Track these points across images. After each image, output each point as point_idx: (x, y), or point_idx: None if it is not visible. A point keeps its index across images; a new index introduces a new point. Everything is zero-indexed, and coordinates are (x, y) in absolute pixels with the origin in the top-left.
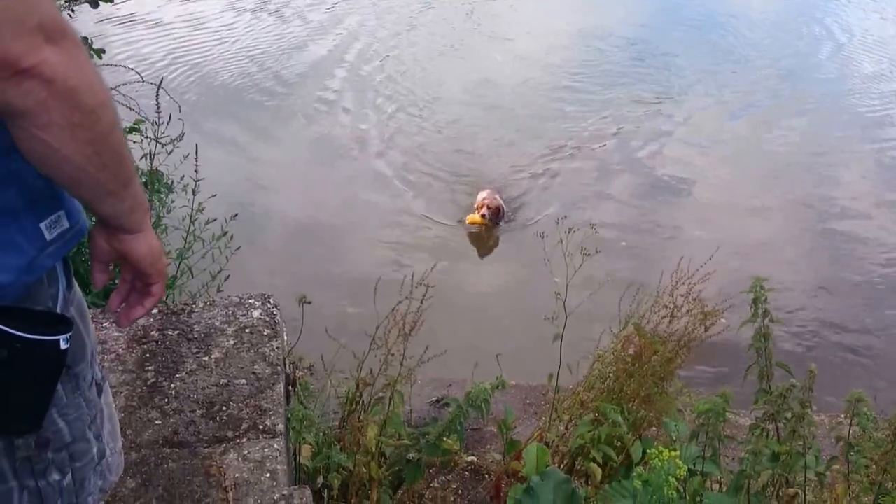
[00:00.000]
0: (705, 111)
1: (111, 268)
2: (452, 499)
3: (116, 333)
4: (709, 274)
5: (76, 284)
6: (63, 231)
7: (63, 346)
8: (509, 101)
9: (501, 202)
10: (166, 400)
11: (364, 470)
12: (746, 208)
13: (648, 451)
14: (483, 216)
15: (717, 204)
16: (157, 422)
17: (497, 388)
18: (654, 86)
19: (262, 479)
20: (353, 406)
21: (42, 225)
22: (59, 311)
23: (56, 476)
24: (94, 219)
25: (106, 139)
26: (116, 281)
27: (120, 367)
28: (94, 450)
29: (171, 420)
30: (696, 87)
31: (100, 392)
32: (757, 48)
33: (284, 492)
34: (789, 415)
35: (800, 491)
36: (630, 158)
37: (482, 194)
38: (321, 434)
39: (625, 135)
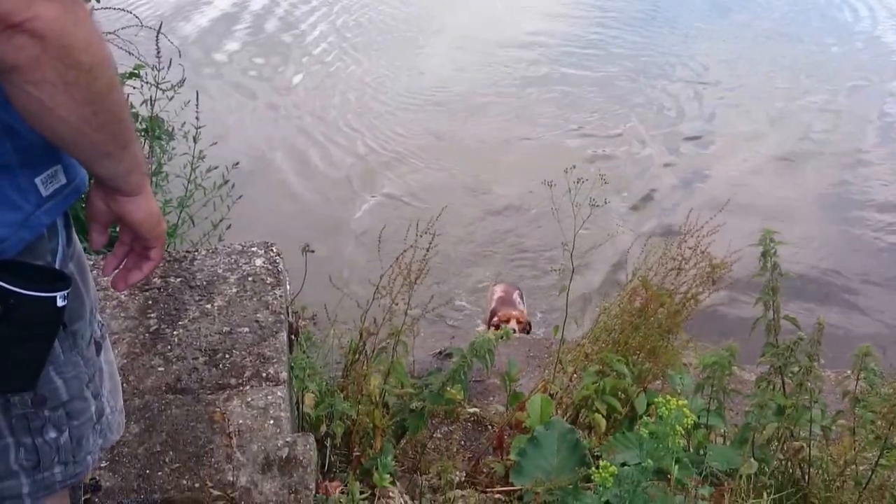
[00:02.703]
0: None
1: (109, 229)
2: (455, 449)
3: None
4: (718, 226)
5: (77, 239)
6: (60, 187)
7: (60, 303)
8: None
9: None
10: (169, 347)
11: (367, 419)
12: (768, 165)
13: (655, 400)
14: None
15: (738, 160)
16: (159, 368)
17: (501, 338)
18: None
19: (266, 425)
20: (356, 356)
21: (38, 180)
22: (58, 266)
23: (53, 434)
24: (92, 178)
25: (103, 99)
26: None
27: (122, 314)
28: (93, 408)
29: (174, 367)
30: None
31: (98, 350)
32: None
33: (288, 439)
34: (796, 368)
35: (805, 445)
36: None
37: (497, 291)
38: (324, 383)
39: (641, 84)
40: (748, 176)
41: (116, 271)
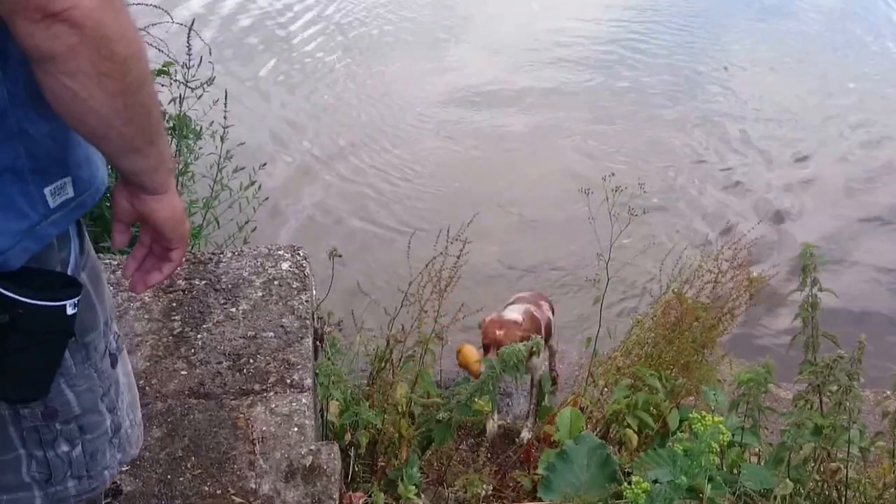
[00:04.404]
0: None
1: (132, 229)
2: (482, 462)
3: None
4: (756, 240)
5: (90, 248)
6: (67, 199)
7: (70, 311)
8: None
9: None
10: (193, 350)
11: (393, 428)
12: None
13: (690, 416)
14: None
15: (783, 170)
16: (182, 372)
17: (532, 350)
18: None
19: (290, 433)
20: (383, 364)
21: (47, 190)
22: (69, 273)
23: (65, 447)
24: (116, 176)
25: (136, 92)
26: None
27: (146, 316)
28: (108, 423)
29: (198, 371)
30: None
31: (114, 363)
32: None
33: (312, 447)
34: (835, 387)
35: (842, 466)
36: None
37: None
38: (349, 391)
39: (686, 92)
40: (789, 187)
41: (136, 273)
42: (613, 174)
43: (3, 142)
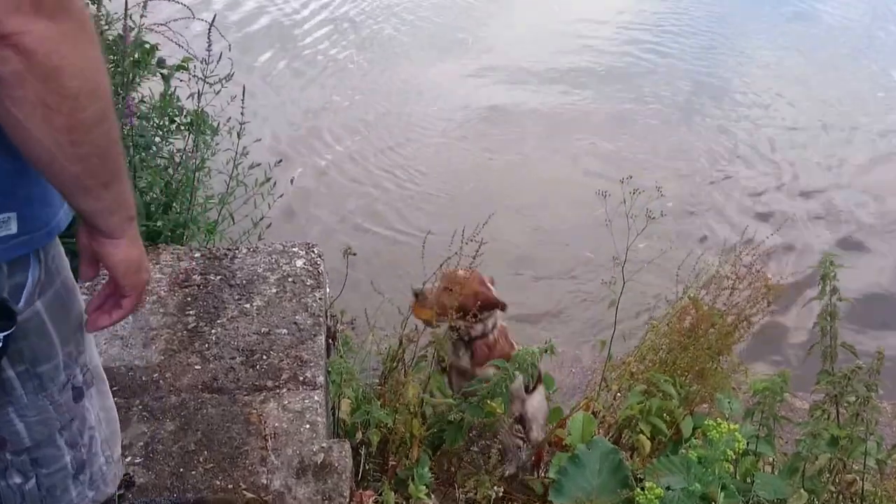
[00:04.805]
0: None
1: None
2: (493, 464)
3: (159, 275)
4: (775, 247)
5: (62, 277)
6: (7, 236)
7: None
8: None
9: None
10: (206, 345)
11: (404, 428)
12: (834, 182)
13: (705, 423)
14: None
15: (799, 182)
16: (196, 367)
17: (546, 352)
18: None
19: (302, 429)
20: (395, 363)
21: None
22: (22, 302)
23: (17, 479)
24: None
25: (88, 131)
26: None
27: (161, 310)
28: (67, 458)
29: (211, 366)
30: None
31: (77, 397)
32: None
33: (324, 444)
34: (853, 398)
35: (858, 478)
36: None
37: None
38: (361, 389)
39: (707, 97)
40: (812, 195)
41: (94, 311)
42: (631, 177)
43: None
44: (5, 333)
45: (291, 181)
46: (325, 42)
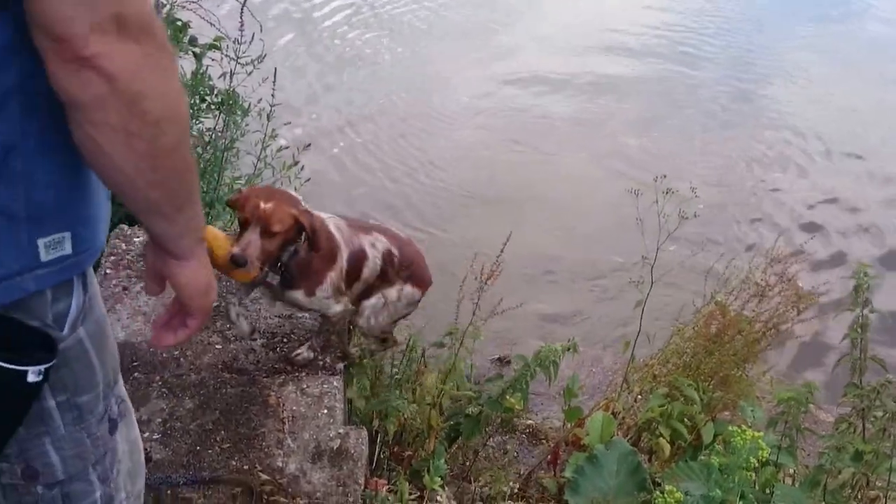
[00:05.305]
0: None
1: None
2: (508, 460)
3: None
4: (808, 255)
5: (99, 303)
6: (62, 256)
7: (32, 378)
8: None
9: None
10: (228, 326)
11: (420, 419)
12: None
13: (729, 429)
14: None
15: (837, 187)
16: (217, 346)
17: (568, 350)
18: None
19: (320, 414)
20: (415, 354)
21: (41, 242)
22: (64, 331)
23: None
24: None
25: (167, 157)
26: None
27: None
28: (97, 494)
29: (232, 346)
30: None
31: (113, 429)
32: None
33: (341, 430)
34: (880, 412)
35: (882, 495)
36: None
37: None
38: (379, 378)
39: (743, 98)
40: (848, 202)
41: (159, 327)
42: (665, 175)
43: (4, 181)
44: (46, 366)
45: (307, 146)
46: (344, 26)
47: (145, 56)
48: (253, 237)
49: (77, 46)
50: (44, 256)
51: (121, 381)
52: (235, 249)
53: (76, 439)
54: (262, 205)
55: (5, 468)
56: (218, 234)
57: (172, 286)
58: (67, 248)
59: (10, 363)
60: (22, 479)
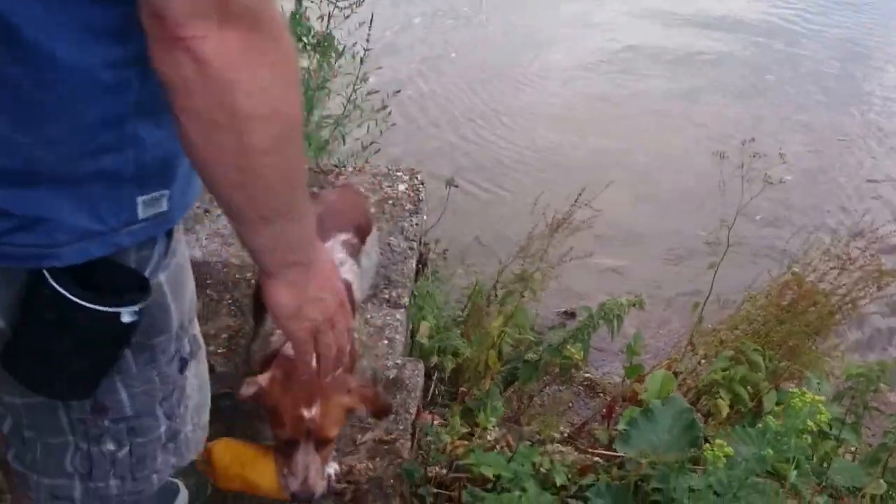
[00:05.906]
0: None
1: None
2: (562, 409)
3: None
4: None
5: (180, 250)
6: (158, 213)
7: (126, 319)
8: None
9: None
10: None
11: (479, 359)
12: None
13: (790, 391)
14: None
15: None
16: None
17: (634, 305)
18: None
19: (380, 344)
20: (482, 296)
21: (140, 199)
22: (146, 274)
23: (111, 446)
24: None
25: (255, 158)
26: None
27: None
28: (162, 428)
29: None
30: None
31: (183, 368)
32: None
33: (398, 361)
34: None
35: None
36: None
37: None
38: (442, 316)
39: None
40: None
41: None
42: (753, 139)
43: (117, 148)
44: (135, 307)
45: (397, 92)
46: None
47: (248, 47)
48: (310, 458)
49: (173, 26)
50: (141, 214)
51: (195, 321)
52: (294, 486)
53: (146, 378)
54: (306, 413)
55: (75, 404)
56: (239, 451)
57: (264, 301)
58: (164, 206)
59: (104, 306)
60: (90, 414)
